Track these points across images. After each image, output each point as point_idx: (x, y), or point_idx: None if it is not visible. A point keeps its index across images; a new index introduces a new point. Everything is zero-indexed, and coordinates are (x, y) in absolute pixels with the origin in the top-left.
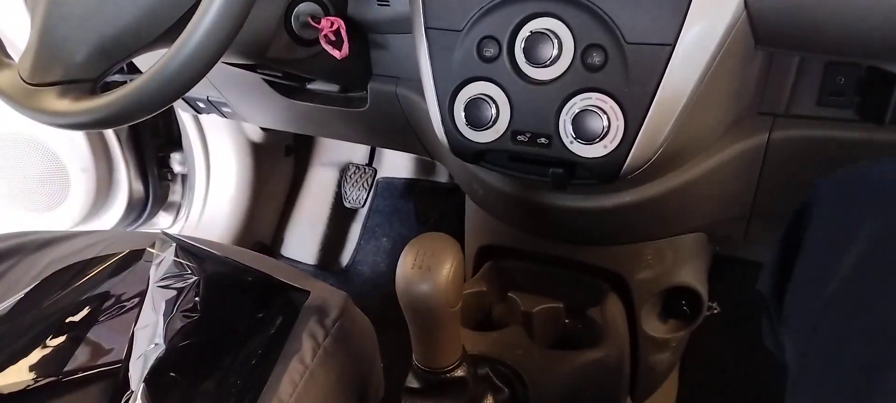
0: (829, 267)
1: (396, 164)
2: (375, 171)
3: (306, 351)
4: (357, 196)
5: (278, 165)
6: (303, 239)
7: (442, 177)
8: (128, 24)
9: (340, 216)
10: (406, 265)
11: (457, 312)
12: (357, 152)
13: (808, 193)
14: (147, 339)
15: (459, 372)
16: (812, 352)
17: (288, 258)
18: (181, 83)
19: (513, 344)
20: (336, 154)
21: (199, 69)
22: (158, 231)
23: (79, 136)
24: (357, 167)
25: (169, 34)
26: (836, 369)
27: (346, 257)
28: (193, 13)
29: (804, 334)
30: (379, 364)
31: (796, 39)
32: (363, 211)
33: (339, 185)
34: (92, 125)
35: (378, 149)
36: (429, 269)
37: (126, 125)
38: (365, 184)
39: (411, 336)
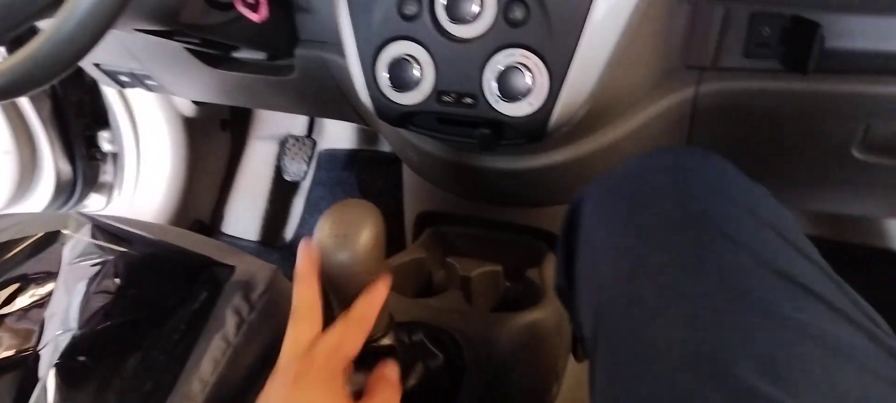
0: (597, 258)
1: (337, 135)
2: (315, 143)
3: (230, 327)
4: (297, 169)
5: (214, 140)
6: (244, 216)
7: (385, 146)
8: None
9: (282, 190)
10: (322, 234)
11: None
12: (296, 124)
13: (578, 192)
14: (59, 323)
15: (386, 341)
16: (599, 334)
17: (229, 236)
18: (73, 51)
19: (451, 309)
20: (274, 126)
21: (90, 34)
22: (73, 212)
23: None
24: (296, 139)
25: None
26: (617, 348)
27: (289, 232)
28: None
29: (591, 318)
30: None
31: None
32: (306, 185)
33: (279, 159)
34: None
35: (318, 120)
36: (346, 237)
37: (30, 98)
38: (305, 156)
39: (334, 307)
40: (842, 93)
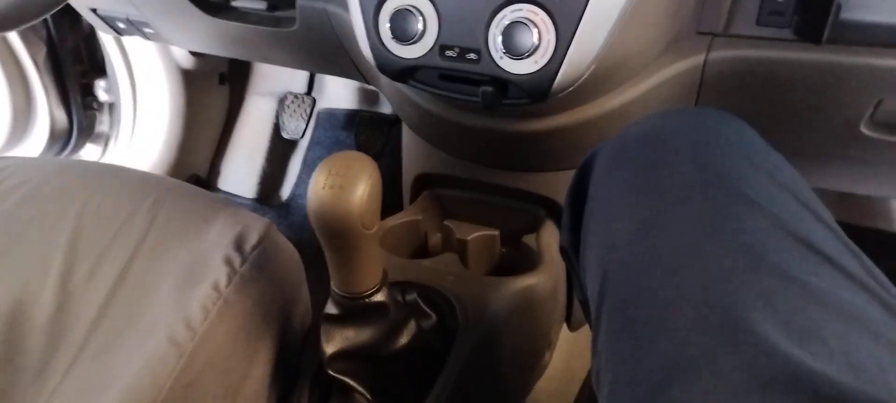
0: (609, 217)
1: (337, 94)
2: (314, 101)
3: (221, 278)
4: (296, 126)
5: (212, 94)
6: (241, 172)
7: (385, 107)
8: None
9: (279, 148)
10: (317, 185)
11: (374, 234)
12: (296, 81)
13: (590, 151)
14: None
15: (379, 297)
16: (606, 294)
17: (226, 192)
18: None
19: (446, 272)
20: (273, 82)
21: None
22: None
23: None
24: (295, 96)
25: None
26: (627, 308)
27: (286, 190)
28: None
29: (598, 278)
30: (305, 293)
31: None
32: (303, 143)
33: (277, 116)
34: None
35: (317, 78)
36: (341, 188)
37: (25, 42)
38: (303, 115)
39: (327, 260)
40: (854, 65)
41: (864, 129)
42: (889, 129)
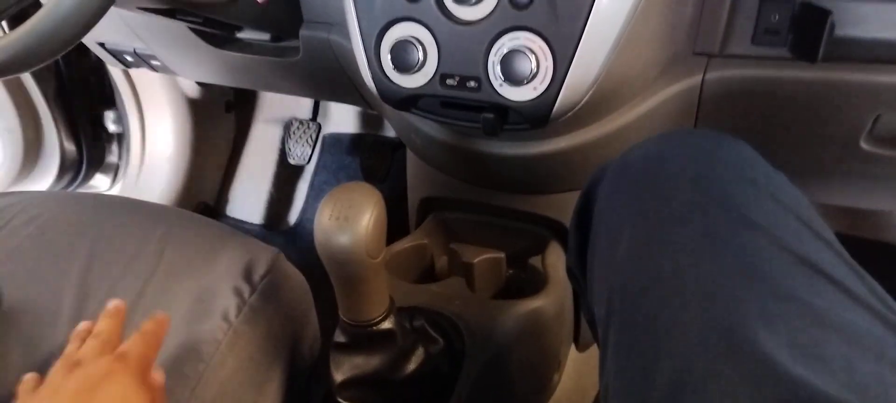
0: (613, 239)
1: (342, 119)
2: (319, 126)
3: (230, 308)
4: (301, 152)
5: (219, 122)
6: (248, 199)
7: (389, 131)
8: None
9: (286, 173)
10: (323, 217)
11: (380, 263)
12: (301, 107)
13: (593, 174)
14: None
15: (387, 325)
16: (612, 314)
17: (234, 219)
18: (74, 27)
19: (452, 296)
20: (279, 109)
21: (91, 11)
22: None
23: (1, 95)
24: (300, 122)
25: None
26: (632, 328)
27: (293, 215)
28: None
29: (605, 298)
30: (314, 321)
31: None
32: (309, 168)
33: (283, 142)
34: None
35: (322, 104)
36: (346, 220)
37: (35, 76)
38: (309, 140)
39: (335, 289)
40: (851, 82)
41: (863, 145)
42: (889, 144)
